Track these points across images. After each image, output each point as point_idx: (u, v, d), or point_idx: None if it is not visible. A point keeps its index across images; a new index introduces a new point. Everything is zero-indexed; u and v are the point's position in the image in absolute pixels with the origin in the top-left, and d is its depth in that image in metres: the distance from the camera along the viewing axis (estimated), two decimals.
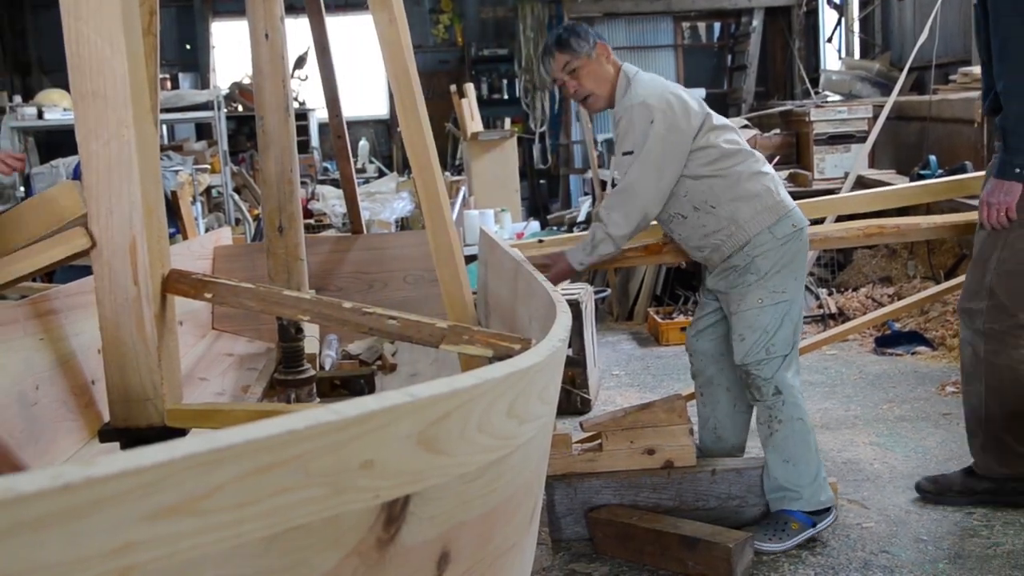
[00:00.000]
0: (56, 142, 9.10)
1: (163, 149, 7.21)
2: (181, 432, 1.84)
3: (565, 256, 3.00)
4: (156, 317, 1.77)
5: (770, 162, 3.45)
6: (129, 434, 1.82)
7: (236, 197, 7.58)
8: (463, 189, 7.64)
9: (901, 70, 6.83)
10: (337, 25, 10.79)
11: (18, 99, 8.15)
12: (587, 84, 2.97)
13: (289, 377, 2.68)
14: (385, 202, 7.14)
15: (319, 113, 11.00)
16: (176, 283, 1.85)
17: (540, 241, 3.55)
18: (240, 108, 10.38)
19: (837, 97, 7.75)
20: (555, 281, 2.89)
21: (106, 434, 1.85)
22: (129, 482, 0.59)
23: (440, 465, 0.85)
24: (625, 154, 2.89)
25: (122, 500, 0.59)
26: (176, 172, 6.51)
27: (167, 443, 0.62)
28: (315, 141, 11.40)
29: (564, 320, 1.38)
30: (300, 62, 10.02)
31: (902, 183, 5.20)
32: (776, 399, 2.89)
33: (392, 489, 0.79)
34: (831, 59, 9.93)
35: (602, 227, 2.93)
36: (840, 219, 4.54)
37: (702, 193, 2.92)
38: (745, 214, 2.89)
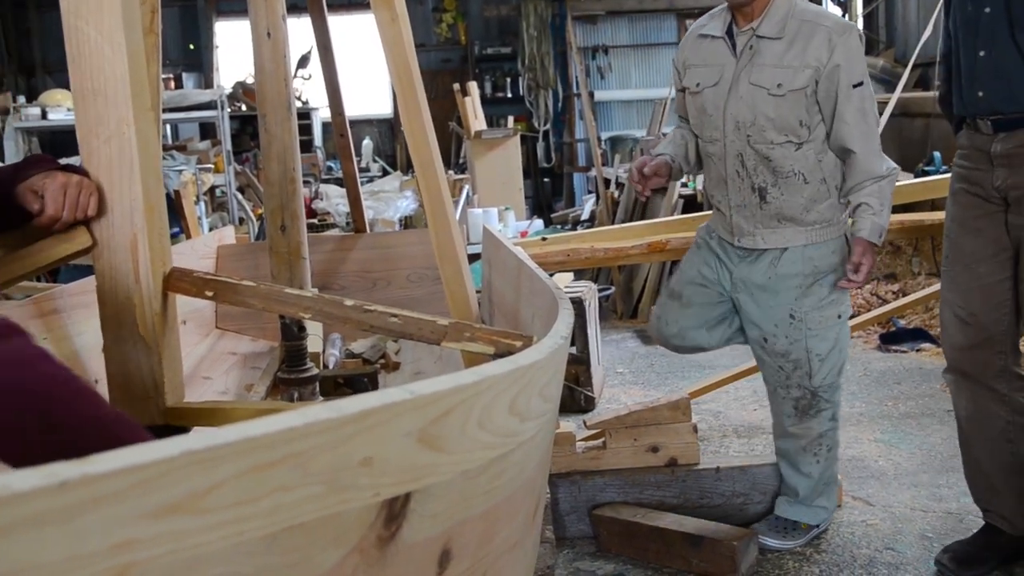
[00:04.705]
0: (60, 142, 9.13)
1: (167, 149, 7.22)
2: (183, 430, 1.84)
3: (861, 241, 2.54)
4: (157, 315, 1.77)
5: None
6: None
7: (240, 196, 7.59)
8: (467, 187, 7.64)
9: (905, 66, 6.81)
10: (340, 24, 10.79)
11: (22, 100, 8.17)
12: None
13: (292, 376, 2.68)
14: (389, 201, 7.15)
15: (323, 112, 11.02)
16: (177, 281, 1.85)
17: (544, 239, 3.55)
18: (243, 107, 10.41)
19: None
20: (871, 268, 2.60)
21: None
22: (127, 479, 0.58)
23: (441, 462, 0.84)
24: (855, 86, 2.52)
25: (121, 498, 0.58)
26: (180, 172, 6.52)
27: (164, 440, 0.62)
28: (319, 140, 11.41)
29: (566, 317, 1.38)
30: (303, 61, 10.03)
31: (906, 179, 5.19)
32: (832, 425, 2.81)
33: (393, 486, 0.79)
34: None
35: (874, 178, 2.54)
36: None
37: (837, 170, 2.62)
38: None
